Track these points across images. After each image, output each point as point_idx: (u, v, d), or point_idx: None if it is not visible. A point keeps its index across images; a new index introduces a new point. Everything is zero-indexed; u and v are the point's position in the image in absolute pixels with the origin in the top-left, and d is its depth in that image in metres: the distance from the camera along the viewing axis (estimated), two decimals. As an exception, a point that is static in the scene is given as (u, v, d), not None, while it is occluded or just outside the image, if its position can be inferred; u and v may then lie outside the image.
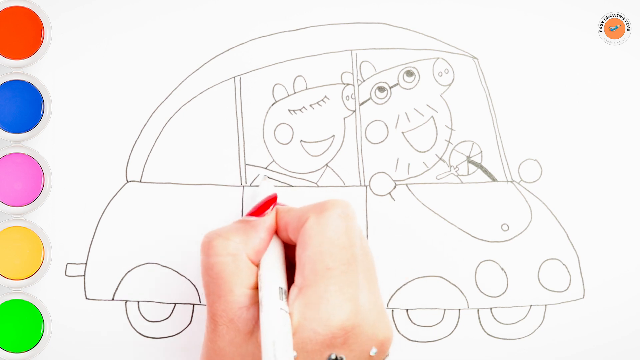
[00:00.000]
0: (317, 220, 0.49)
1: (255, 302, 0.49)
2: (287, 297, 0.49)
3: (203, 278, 0.50)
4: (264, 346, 0.46)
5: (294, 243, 0.51)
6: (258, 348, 0.48)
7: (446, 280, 0.59)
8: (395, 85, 0.59)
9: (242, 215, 0.59)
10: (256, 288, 0.50)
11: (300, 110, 0.59)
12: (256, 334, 0.48)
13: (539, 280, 0.59)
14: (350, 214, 0.50)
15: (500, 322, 0.59)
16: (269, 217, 0.52)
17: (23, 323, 0.58)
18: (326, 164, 0.59)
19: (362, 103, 0.59)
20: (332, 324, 0.47)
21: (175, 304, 0.59)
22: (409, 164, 0.60)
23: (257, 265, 0.51)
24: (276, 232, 0.52)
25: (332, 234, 0.49)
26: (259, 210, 0.52)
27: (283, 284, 0.50)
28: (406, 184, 0.59)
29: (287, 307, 0.48)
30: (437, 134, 0.60)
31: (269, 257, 0.51)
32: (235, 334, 0.49)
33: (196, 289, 0.59)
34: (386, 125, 0.59)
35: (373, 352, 0.49)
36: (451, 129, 0.60)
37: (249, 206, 0.56)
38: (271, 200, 0.53)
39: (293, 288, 0.49)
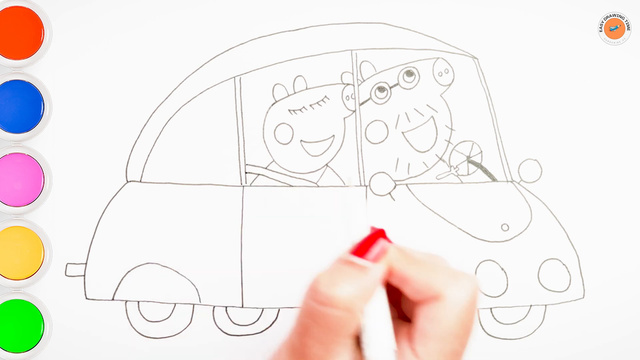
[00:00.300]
0: (458, 304, 0.45)
1: (353, 350, 0.45)
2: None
3: (303, 319, 0.45)
4: None
5: (397, 287, 0.47)
6: None
7: (446, 280, 0.59)
8: (395, 85, 0.59)
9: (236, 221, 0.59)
10: (355, 337, 0.46)
11: (300, 110, 0.59)
12: None
13: (539, 280, 0.59)
14: (476, 295, 0.46)
15: (500, 322, 0.59)
16: (384, 265, 0.46)
17: (23, 323, 0.58)
18: (326, 164, 0.59)
19: (362, 103, 0.59)
20: None
21: (175, 304, 0.59)
22: (409, 164, 0.59)
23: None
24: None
25: (467, 322, 0.46)
26: (363, 250, 0.46)
27: (395, 345, 0.46)
28: (406, 184, 0.59)
29: None
30: (437, 134, 0.60)
31: (377, 311, 0.45)
32: None
33: (196, 289, 0.59)
34: (386, 125, 0.59)
35: None
36: (451, 129, 0.60)
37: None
38: (376, 236, 0.46)
39: (409, 355, 0.46)
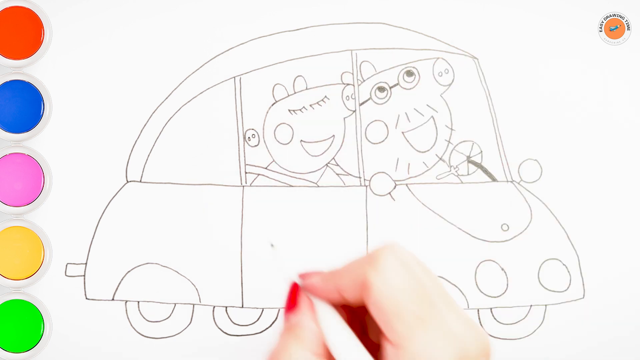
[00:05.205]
0: (380, 278, 0.45)
1: None
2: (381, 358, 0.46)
3: None
4: None
5: (348, 302, 0.47)
6: None
7: (446, 280, 0.59)
8: (395, 85, 0.59)
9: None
10: None
11: (300, 110, 0.59)
12: None
13: (539, 281, 0.59)
14: (405, 258, 0.46)
15: (501, 322, 0.59)
16: (305, 305, 0.48)
17: (23, 323, 0.58)
18: (326, 164, 0.59)
19: (362, 103, 0.59)
20: None
21: (175, 304, 0.59)
22: (409, 164, 0.60)
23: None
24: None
25: (402, 284, 0.45)
26: (291, 305, 0.48)
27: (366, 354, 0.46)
28: (406, 184, 0.59)
29: None
30: (437, 134, 0.60)
31: (335, 335, 0.46)
32: None
33: (196, 289, 0.59)
34: (386, 125, 0.59)
35: None
36: (451, 129, 0.60)
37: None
38: (294, 289, 0.48)
39: (388, 347, 0.45)
